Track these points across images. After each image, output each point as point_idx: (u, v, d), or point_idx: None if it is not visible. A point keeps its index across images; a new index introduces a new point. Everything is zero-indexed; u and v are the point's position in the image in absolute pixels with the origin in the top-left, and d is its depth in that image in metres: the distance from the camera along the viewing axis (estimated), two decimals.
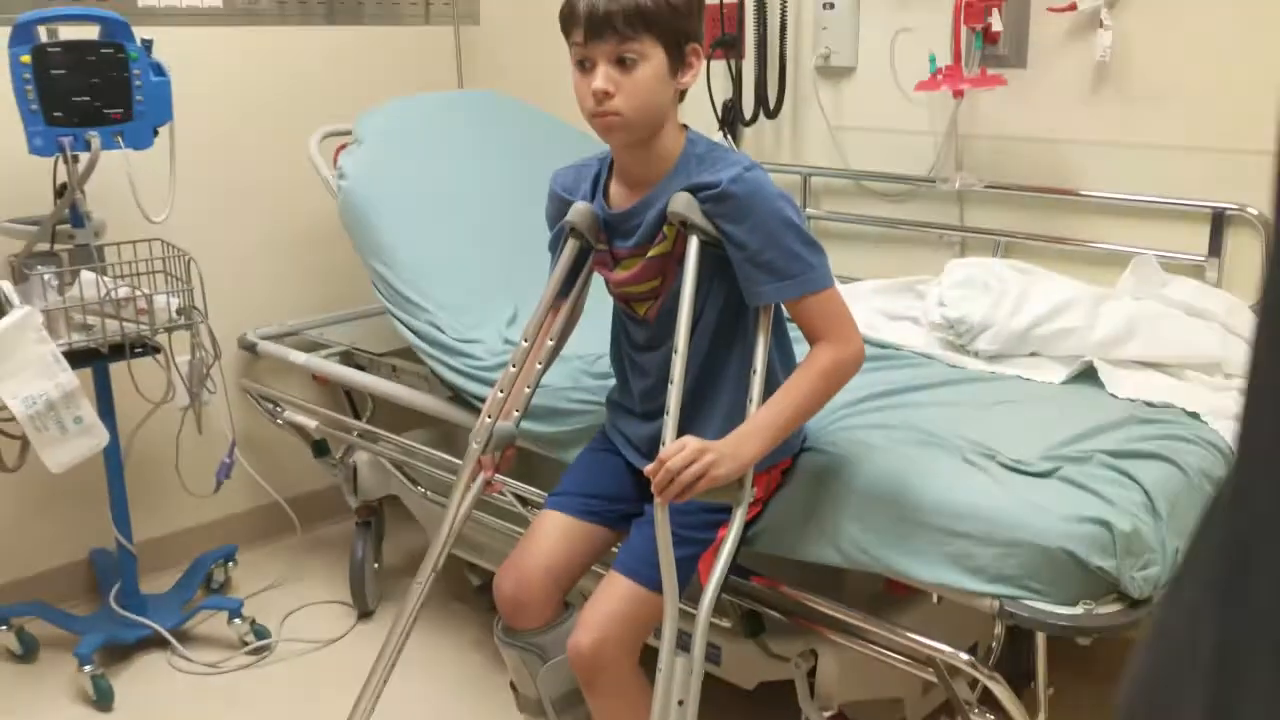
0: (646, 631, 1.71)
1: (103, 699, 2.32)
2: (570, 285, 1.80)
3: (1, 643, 2.51)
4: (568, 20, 1.60)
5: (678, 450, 1.48)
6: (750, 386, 1.60)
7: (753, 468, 1.59)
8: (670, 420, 1.54)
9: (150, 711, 2.32)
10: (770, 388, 1.69)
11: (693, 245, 1.58)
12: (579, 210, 1.70)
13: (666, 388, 1.58)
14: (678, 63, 1.59)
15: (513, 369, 1.81)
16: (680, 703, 1.48)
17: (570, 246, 1.74)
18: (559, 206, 1.77)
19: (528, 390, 1.82)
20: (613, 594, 1.68)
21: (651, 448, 1.64)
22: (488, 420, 1.79)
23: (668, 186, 1.62)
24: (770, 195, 1.58)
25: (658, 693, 1.49)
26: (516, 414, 1.82)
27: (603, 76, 1.56)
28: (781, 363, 1.72)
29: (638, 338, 1.77)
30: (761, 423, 1.56)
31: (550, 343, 1.81)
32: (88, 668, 2.32)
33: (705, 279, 1.63)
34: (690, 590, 1.71)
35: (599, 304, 1.89)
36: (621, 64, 1.56)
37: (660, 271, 1.68)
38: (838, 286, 1.62)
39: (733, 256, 1.59)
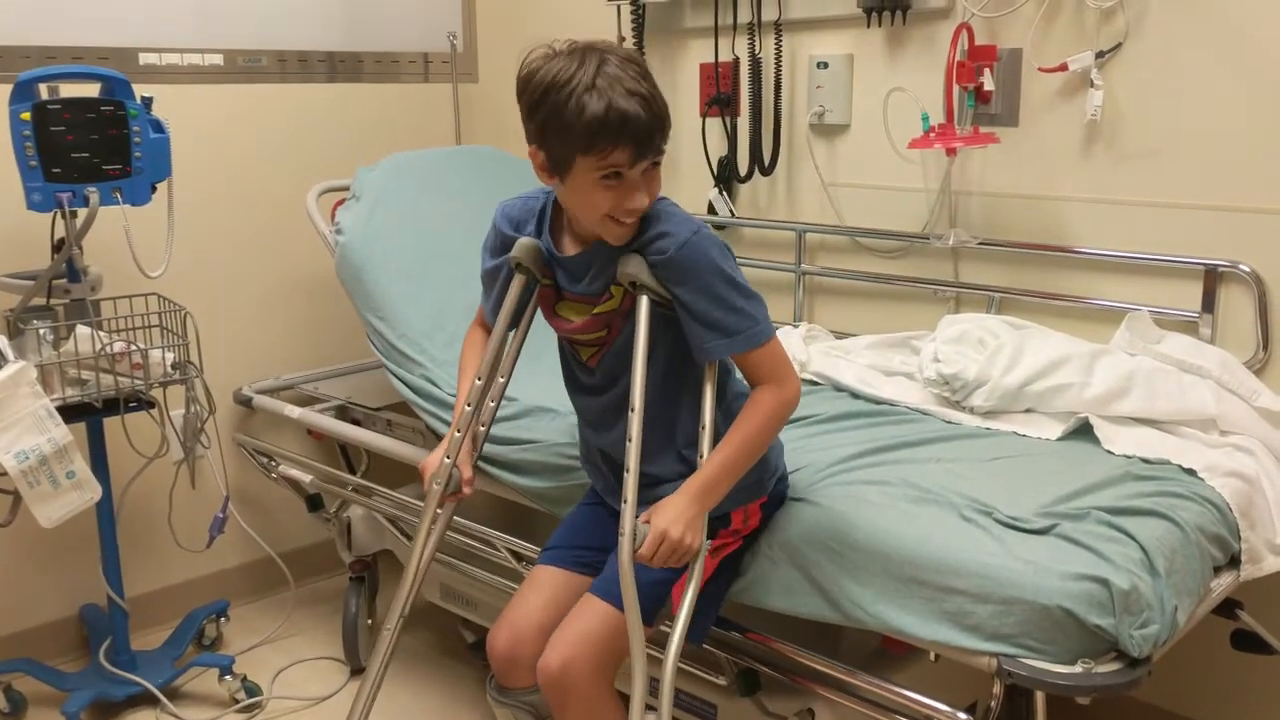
0: (620, 657, 1.69)
1: None
2: (518, 320, 1.80)
3: None
4: (598, 134, 1.50)
5: (646, 547, 1.53)
6: (700, 441, 1.61)
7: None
8: (630, 485, 1.56)
9: None
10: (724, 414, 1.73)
11: (643, 305, 1.60)
12: (524, 246, 1.70)
13: (612, 432, 1.72)
14: None
15: (468, 408, 1.79)
16: None
17: (516, 282, 1.74)
18: (502, 241, 1.78)
19: (482, 429, 1.85)
20: (585, 614, 1.69)
21: (613, 494, 1.67)
22: (446, 461, 1.79)
23: (609, 247, 1.65)
24: (712, 257, 1.60)
25: None
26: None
27: (645, 195, 1.58)
28: (733, 393, 1.75)
29: (583, 380, 1.80)
30: (711, 475, 1.59)
31: (501, 380, 1.81)
32: None
33: (653, 329, 1.64)
34: (664, 616, 1.74)
35: None
36: (648, 172, 1.58)
37: (606, 324, 1.70)
38: (779, 338, 1.66)
39: (681, 316, 1.62)
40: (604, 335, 1.72)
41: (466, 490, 1.78)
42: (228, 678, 2.50)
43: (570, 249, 1.71)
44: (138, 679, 2.45)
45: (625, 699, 1.61)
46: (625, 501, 1.52)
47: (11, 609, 2.65)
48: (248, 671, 2.57)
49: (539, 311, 1.79)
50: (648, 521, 1.53)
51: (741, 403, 1.70)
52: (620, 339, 1.69)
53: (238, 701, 2.50)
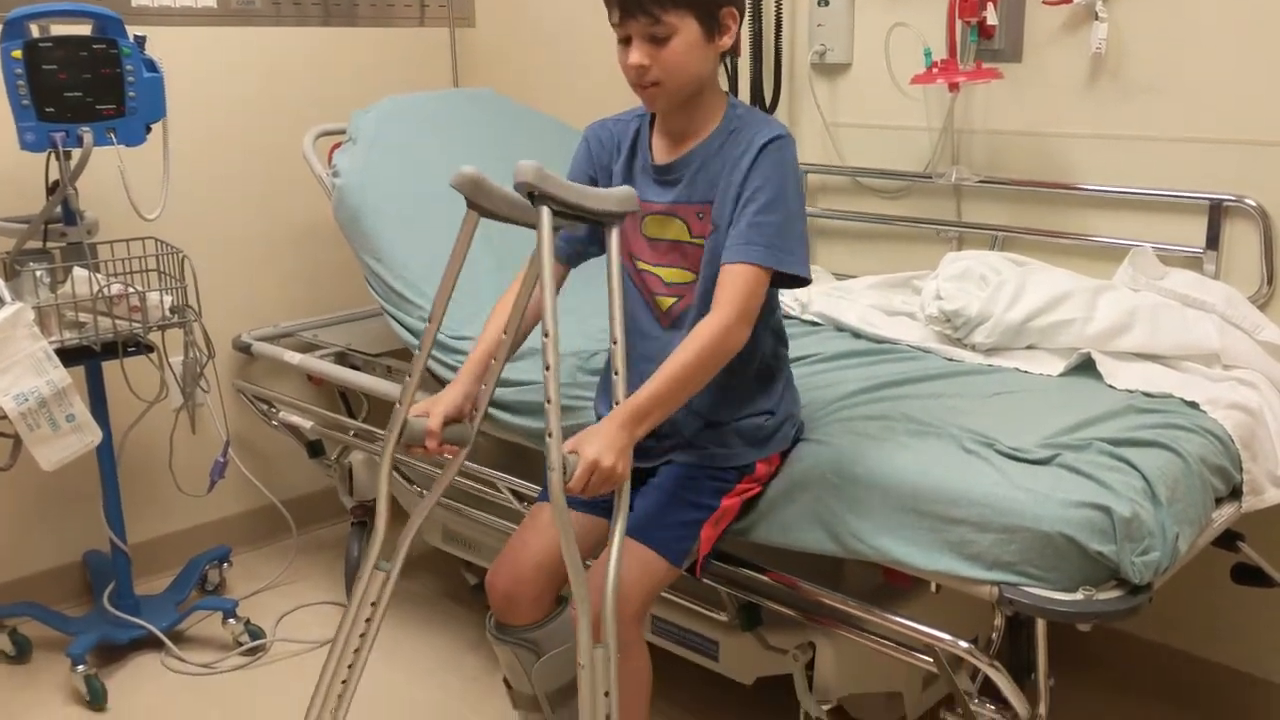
0: (650, 595, 1.69)
1: (96, 699, 2.30)
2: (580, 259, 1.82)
3: None
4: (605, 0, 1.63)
5: (577, 479, 1.45)
6: (613, 358, 1.56)
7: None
8: (553, 417, 1.45)
9: (144, 712, 2.30)
10: (761, 371, 1.73)
11: (544, 217, 1.48)
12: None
13: None
14: (712, 28, 1.62)
15: (494, 362, 1.72)
16: (606, 694, 1.46)
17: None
18: (592, 164, 1.79)
19: (484, 388, 1.67)
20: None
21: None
22: (398, 407, 1.63)
23: (711, 142, 1.66)
24: (795, 165, 1.65)
25: (583, 688, 1.46)
26: (475, 412, 1.70)
27: (638, 52, 1.60)
28: (774, 350, 1.74)
29: (650, 331, 1.75)
30: (643, 403, 1.53)
31: (505, 336, 1.72)
32: (81, 668, 2.31)
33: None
34: (691, 556, 1.72)
35: (588, 300, 1.86)
36: (655, 39, 1.59)
37: (697, 265, 1.68)
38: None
39: (725, 210, 1.62)
40: (690, 281, 1.69)
41: (430, 444, 1.62)
42: (231, 621, 2.51)
43: (667, 157, 1.71)
44: (141, 622, 2.46)
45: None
46: (550, 435, 1.44)
47: (15, 555, 2.66)
48: (251, 616, 2.57)
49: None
50: (574, 451, 1.47)
51: (770, 364, 1.72)
52: (699, 295, 1.67)
53: (241, 644, 2.51)
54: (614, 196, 1.56)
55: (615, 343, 1.55)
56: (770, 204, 1.59)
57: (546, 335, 1.44)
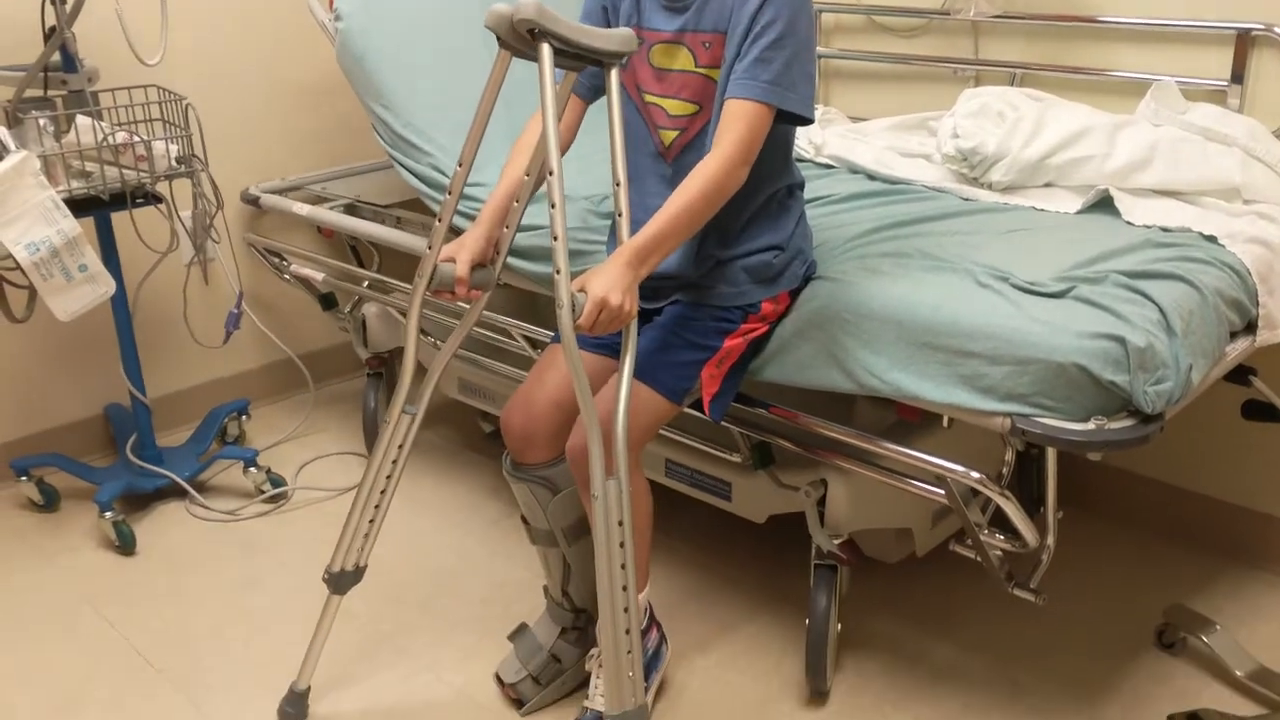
0: (647, 431, 1.72)
1: (125, 543, 2.36)
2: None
3: (23, 493, 2.55)
4: None
5: (585, 316, 1.46)
6: (616, 200, 1.55)
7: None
8: (560, 254, 1.45)
9: (172, 556, 2.36)
10: (771, 207, 1.71)
11: (545, 54, 1.47)
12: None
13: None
14: None
15: (516, 204, 1.74)
16: (620, 523, 1.49)
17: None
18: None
19: (506, 230, 1.68)
20: (614, 393, 1.69)
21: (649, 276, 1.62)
22: (428, 251, 1.63)
23: None
24: (807, 2, 1.59)
25: (596, 519, 1.49)
26: (497, 256, 1.71)
27: None
28: (785, 185, 1.72)
29: (653, 166, 1.73)
30: (647, 241, 1.53)
31: (526, 178, 1.69)
32: (109, 514, 2.36)
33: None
34: (693, 396, 1.74)
35: (599, 146, 1.83)
36: None
37: (701, 97, 1.64)
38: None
39: (734, 44, 1.58)
40: (695, 114, 1.66)
41: (460, 290, 1.63)
42: (253, 470, 2.56)
43: None
44: (165, 472, 2.51)
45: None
46: (558, 272, 1.44)
47: (38, 408, 2.70)
48: (271, 466, 2.62)
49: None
50: (582, 290, 1.47)
51: (782, 208, 1.70)
52: (705, 127, 1.65)
53: (263, 492, 2.57)
54: (615, 36, 1.53)
55: (618, 185, 1.54)
56: (779, 40, 1.56)
57: (551, 173, 1.44)
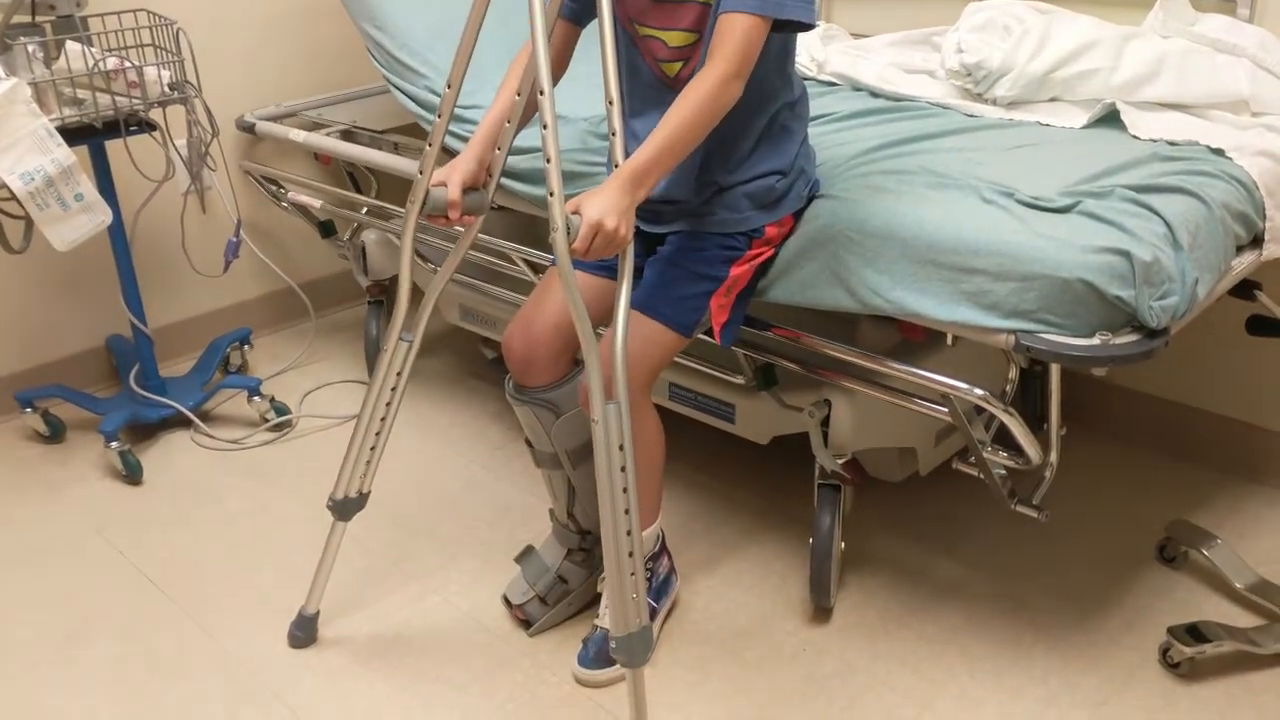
0: (657, 366, 1.71)
1: (132, 472, 2.37)
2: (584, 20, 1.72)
3: (29, 424, 2.56)
4: None
5: (580, 240, 1.43)
6: (610, 118, 1.50)
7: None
8: (554, 177, 1.42)
9: (179, 484, 2.38)
10: (773, 129, 1.68)
11: None
12: None
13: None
14: None
15: (508, 125, 1.70)
16: (621, 447, 1.48)
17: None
18: None
19: (499, 151, 1.63)
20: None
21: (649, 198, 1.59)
22: (419, 177, 1.59)
23: None
24: None
25: (597, 443, 1.48)
26: (490, 179, 1.66)
27: None
28: (787, 104, 1.69)
29: (654, 95, 1.69)
30: (644, 163, 1.48)
31: (518, 98, 1.65)
32: (114, 444, 2.37)
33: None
34: (702, 326, 1.73)
35: (599, 66, 1.80)
36: None
37: (701, 25, 1.60)
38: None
39: None
40: (694, 42, 1.62)
41: (453, 215, 1.60)
42: (256, 398, 2.56)
43: None
44: (169, 401, 2.51)
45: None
46: (551, 194, 1.41)
47: (40, 340, 2.70)
48: (275, 395, 2.63)
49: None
50: (577, 212, 1.44)
51: (784, 130, 1.67)
52: (706, 46, 1.58)
53: (267, 420, 2.57)
54: None
55: (611, 103, 1.50)
56: None
57: (542, 93, 1.40)
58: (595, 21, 1.72)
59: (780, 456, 2.34)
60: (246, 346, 2.83)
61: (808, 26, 1.57)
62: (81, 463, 2.47)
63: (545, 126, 1.41)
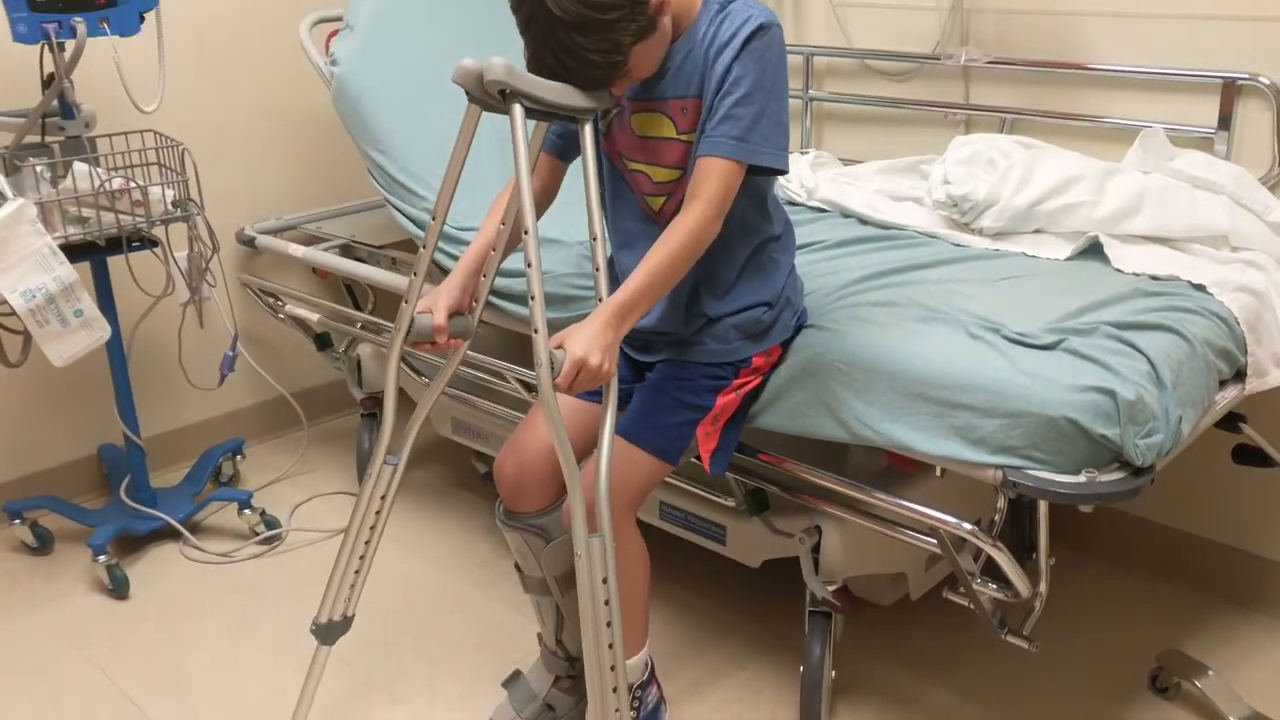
0: (640, 492, 1.72)
1: (119, 587, 2.35)
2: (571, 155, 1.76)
3: (17, 535, 2.55)
4: None
5: (563, 376, 1.45)
6: (594, 254, 1.54)
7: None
8: (538, 313, 1.44)
9: (166, 599, 2.36)
10: (757, 262, 1.71)
11: (516, 114, 1.47)
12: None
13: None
14: (653, 20, 1.50)
15: (493, 252, 1.70)
16: (604, 580, 1.49)
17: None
18: None
19: (484, 279, 1.66)
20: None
21: (638, 329, 1.63)
22: (404, 305, 1.62)
23: (695, 34, 1.59)
24: (782, 55, 1.58)
25: (580, 576, 1.49)
26: (475, 304, 1.69)
27: (617, 87, 1.56)
28: (770, 238, 1.73)
29: (641, 229, 1.73)
30: (629, 298, 1.52)
31: (503, 226, 1.68)
32: (102, 558, 2.36)
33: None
34: (689, 455, 1.73)
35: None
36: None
37: (684, 163, 1.64)
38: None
39: (709, 98, 1.57)
40: (678, 178, 1.66)
41: (440, 340, 1.62)
42: (247, 511, 2.56)
43: None
44: (159, 514, 2.51)
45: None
46: (535, 331, 1.44)
47: (31, 450, 2.70)
48: (265, 506, 2.62)
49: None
50: (561, 347, 1.47)
51: (770, 263, 1.71)
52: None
53: (258, 534, 2.57)
54: (585, 92, 1.54)
55: (595, 239, 1.54)
56: (748, 96, 1.55)
57: (526, 232, 1.43)
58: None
59: (772, 578, 2.33)
60: (239, 456, 2.83)
61: (781, 172, 1.62)
62: (67, 576, 2.45)
63: (529, 265, 1.43)
